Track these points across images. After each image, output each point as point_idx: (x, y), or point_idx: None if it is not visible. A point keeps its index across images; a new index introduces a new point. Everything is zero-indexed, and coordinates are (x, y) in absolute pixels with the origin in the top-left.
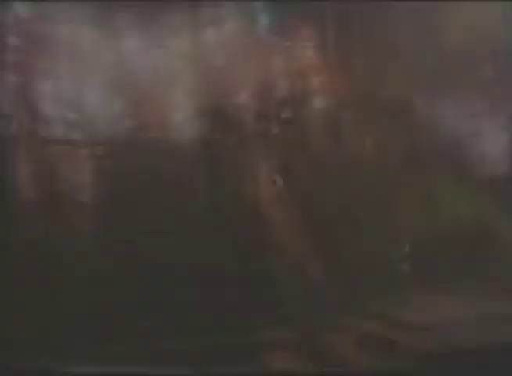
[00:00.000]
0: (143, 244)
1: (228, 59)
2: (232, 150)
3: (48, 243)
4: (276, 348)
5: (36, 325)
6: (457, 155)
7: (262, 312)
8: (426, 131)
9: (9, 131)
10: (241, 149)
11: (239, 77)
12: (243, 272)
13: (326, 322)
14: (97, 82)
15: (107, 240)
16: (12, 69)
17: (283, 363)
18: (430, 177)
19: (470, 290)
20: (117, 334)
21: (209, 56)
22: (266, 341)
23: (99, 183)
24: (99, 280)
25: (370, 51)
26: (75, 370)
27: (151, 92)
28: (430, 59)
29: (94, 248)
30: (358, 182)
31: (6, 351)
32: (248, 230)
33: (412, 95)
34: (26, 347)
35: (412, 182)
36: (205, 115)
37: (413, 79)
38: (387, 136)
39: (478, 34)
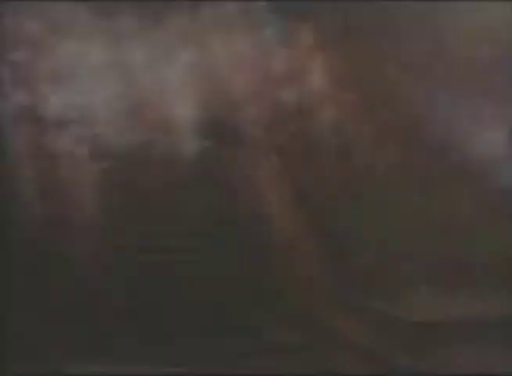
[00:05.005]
0: (145, 253)
1: (232, 69)
2: (237, 163)
3: (50, 248)
4: (275, 349)
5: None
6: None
7: (262, 313)
8: (439, 143)
9: (11, 143)
10: (247, 162)
11: (242, 87)
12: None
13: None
14: (102, 97)
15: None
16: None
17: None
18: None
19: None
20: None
21: (212, 66)
22: (265, 341)
23: (103, 196)
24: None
25: (378, 59)
26: (76, 371)
27: (155, 104)
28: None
29: (97, 259)
30: (369, 198)
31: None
32: (252, 245)
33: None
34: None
35: (423, 199)
36: (210, 128)
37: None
38: (398, 148)
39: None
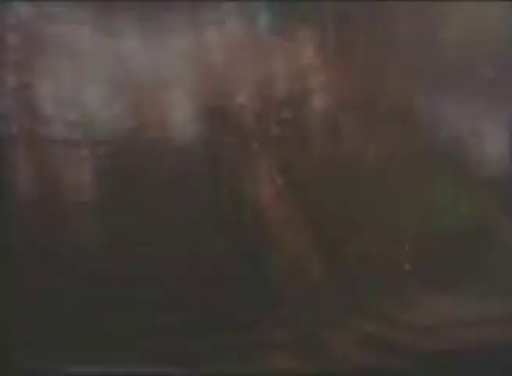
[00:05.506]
0: (143, 243)
1: (229, 59)
2: (232, 150)
3: (48, 243)
4: (275, 348)
5: (37, 325)
6: (458, 156)
7: (262, 312)
8: (426, 131)
9: (9, 132)
10: (241, 149)
11: (239, 77)
12: (242, 272)
13: (325, 321)
14: (97, 82)
15: (108, 240)
16: (12, 69)
17: (282, 362)
18: (431, 177)
19: (471, 290)
20: (117, 335)
21: (209, 55)
22: (265, 340)
23: (99, 183)
24: (99, 280)
25: (371, 51)
26: (76, 371)
27: (151, 92)
28: (431, 60)
29: (94, 248)
30: (359, 182)
31: (6, 351)
32: (248, 230)
33: (414, 96)
34: (26, 347)
35: (413, 182)
36: (205, 115)
37: (414, 80)
38: (388, 137)
39: (479, 34)
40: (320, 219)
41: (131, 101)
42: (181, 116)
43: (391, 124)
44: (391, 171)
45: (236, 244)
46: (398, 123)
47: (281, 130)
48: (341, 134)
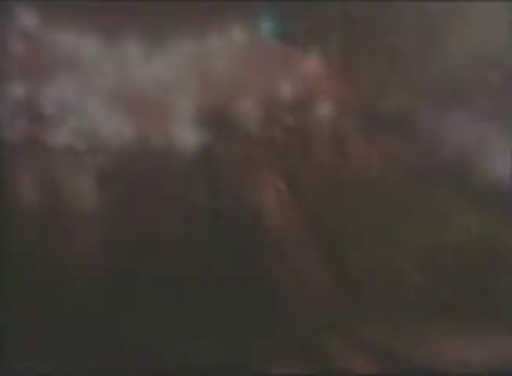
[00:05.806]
0: (144, 248)
1: (231, 66)
2: (235, 157)
3: (48, 248)
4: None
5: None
6: (462, 167)
7: (262, 317)
8: (429, 141)
9: (11, 138)
10: (244, 156)
11: (242, 83)
12: (245, 280)
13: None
14: (99, 90)
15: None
16: (14, 76)
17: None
18: (434, 189)
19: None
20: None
21: (212, 62)
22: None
23: (101, 190)
24: (101, 284)
25: (374, 56)
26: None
27: (153, 100)
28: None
29: (96, 253)
30: (363, 191)
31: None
32: (250, 238)
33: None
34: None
35: (416, 193)
36: (208, 122)
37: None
38: (392, 145)
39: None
40: (322, 227)
41: (133, 108)
42: (183, 124)
43: (394, 130)
44: (396, 182)
45: (238, 252)
46: (401, 130)
47: (285, 137)
48: (344, 141)
